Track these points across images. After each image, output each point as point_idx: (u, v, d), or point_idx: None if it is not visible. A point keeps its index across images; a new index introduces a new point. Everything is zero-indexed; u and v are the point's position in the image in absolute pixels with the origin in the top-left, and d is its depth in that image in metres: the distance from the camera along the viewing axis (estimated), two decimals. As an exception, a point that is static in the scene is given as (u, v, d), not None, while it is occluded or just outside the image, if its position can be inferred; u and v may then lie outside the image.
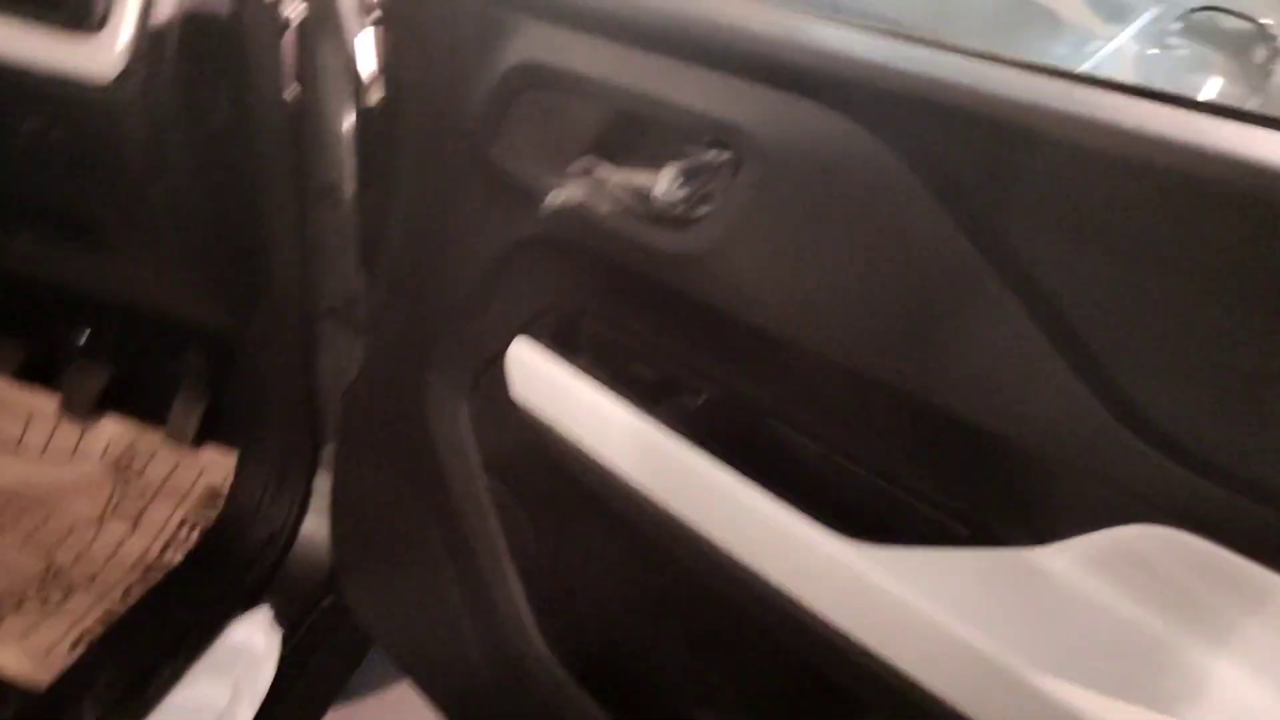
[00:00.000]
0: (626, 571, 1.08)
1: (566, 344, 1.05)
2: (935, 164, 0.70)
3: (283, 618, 1.41)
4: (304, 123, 1.23)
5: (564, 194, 0.97)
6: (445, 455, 1.17)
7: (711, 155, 0.88)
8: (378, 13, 1.17)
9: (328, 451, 1.47)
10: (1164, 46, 1.90)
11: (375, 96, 1.21)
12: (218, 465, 1.69)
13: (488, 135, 1.01)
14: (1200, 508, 0.63)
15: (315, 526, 1.47)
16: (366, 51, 1.20)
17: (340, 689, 1.51)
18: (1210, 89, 1.83)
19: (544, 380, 1.03)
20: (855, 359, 0.78)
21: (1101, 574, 0.69)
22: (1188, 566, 0.65)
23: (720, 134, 0.85)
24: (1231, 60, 1.85)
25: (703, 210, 0.87)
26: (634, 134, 0.95)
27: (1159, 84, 1.92)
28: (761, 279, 0.83)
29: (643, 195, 0.93)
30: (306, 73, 1.21)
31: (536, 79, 0.97)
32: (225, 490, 1.57)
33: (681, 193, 0.91)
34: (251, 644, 1.36)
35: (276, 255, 1.32)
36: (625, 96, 0.91)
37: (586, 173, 0.97)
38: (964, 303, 0.71)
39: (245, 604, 1.41)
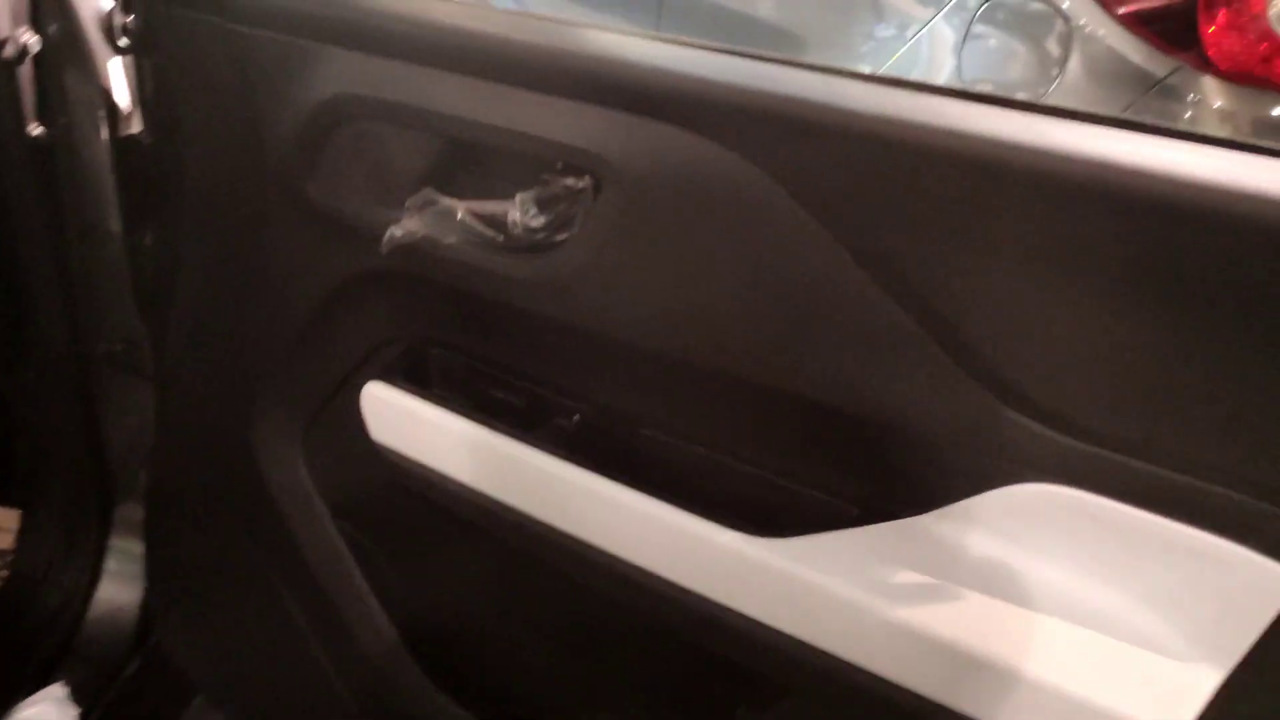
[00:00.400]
0: (511, 595, 1.08)
1: (419, 379, 1.02)
2: (799, 175, 0.74)
3: (79, 694, 1.28)
4: (55, 159, 1.12)
5: (405, 227, 0.92)
6: (285, 505, 1.11)
7: (569, 182, 0.87)
8: (125, 40, 1.05)
9: (126, 510, 1.33)
10: (972, 36, 1.96)
11: (134, 128, 1.10)
12: (5, 529, 1.48)
13: (302, 172, 0.95)
14: (1072, 465, 0.71)
15: (113, 591, 1.34)
16: (119, 81, 1.08)
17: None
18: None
19: (407, 420, 1.01)
20: (735, 364, 0.81)
21: (985, 531, 0.76)
22: (1066, 515, 0.72)
23: (578, 161, 0.84)
24: (1031, 46, 1.93)
25: (562, 235, 0.87)
26: (474, 164, 0.93)
27: (975, 73, 1.98)
28: (633, 296, 0.84)
29: (496, 224, 0.91)
30: (52, 106, 1.10)
31: (357, 112, 0.92)
32: (8, 555, 1.39)
33: (539, 220, 0.88)
34: (43, 725, 1.22)
35: (39, 300, 1.19)
36: (470, 128, 0.88)
37: (428, 204, 0.93)
38: (839, 303, 0.75)
39: (36, 680, 1.28)
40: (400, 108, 0.90)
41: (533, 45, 0.84)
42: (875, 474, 0.81)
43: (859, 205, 0.73)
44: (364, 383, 1.03)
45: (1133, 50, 1.76)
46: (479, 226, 0.91)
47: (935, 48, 2.07)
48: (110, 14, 1.04)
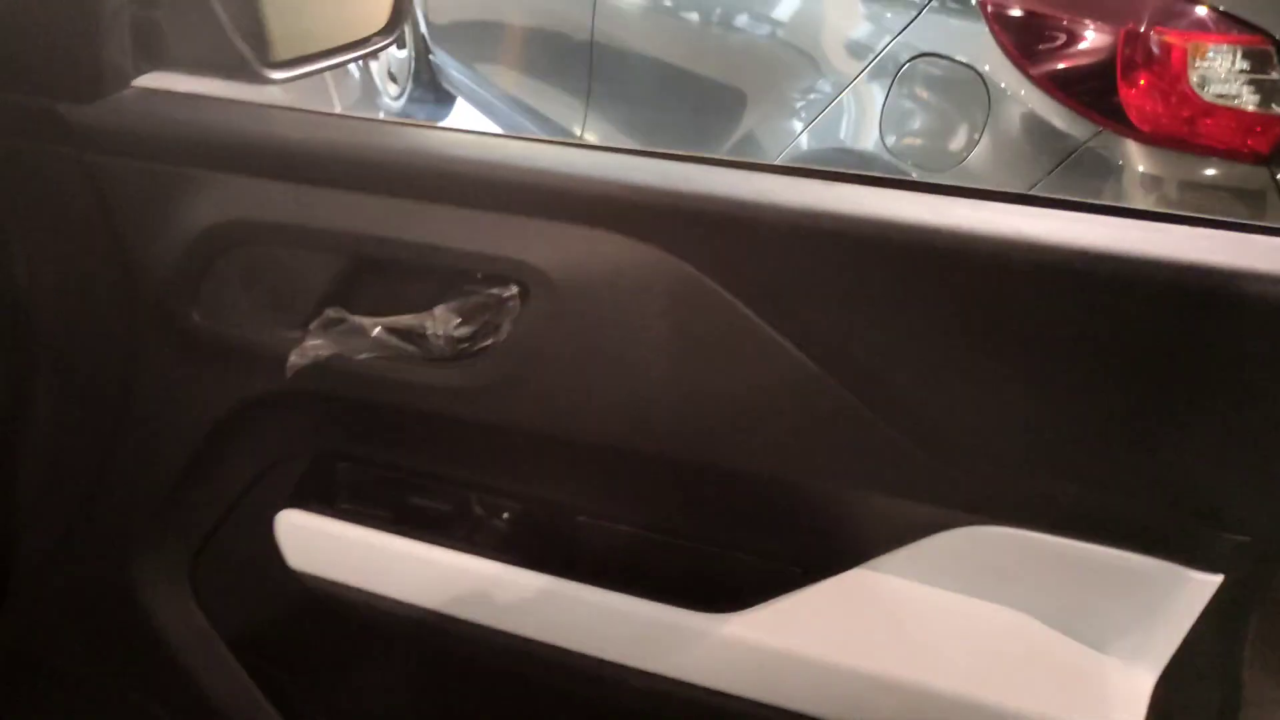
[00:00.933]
0: (456, 707, 1.06)
1: (328, 498, 0.99)
2: (721, 264, 0.78)
3: None
4: None
5: (311, 347, 0.87)
6: (178, 644, 1.04)
7: (496, 291, 0.84)
8: None
9: None
10: (895, 95, 1.95)
11: None
12: None
13: (183, 301, 0.90)
14: (998, 504, 0.78)
15: None
16: None
17: None
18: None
19: (329, 543, 0.97)
20: (673, 446, 0.84)
21: (929, 573, 0.83)
22: (1001, 552, 0.80)
23: (504, 271, 0.83)
24: (952, 107, 1.92)
25: (486, 342, 0.85)
26: (373, 279, 0.89)
27: (897, 132, 1.94)
28: (569, 393, 0.85)
29: (413, 337, 0.87)
30: None
31: (247, 238, 0.88)
32: None
33: (463, 329, 0.85)
34: None
35: None
36: (384, 246, 0.85)
37: (334, 323, 0.88)
38: (771, 377, 0.79)
39: None
40: (300, 231, 0.86)
41: (447, 158, 0.84)
42: (814, 533, 0.86)
43: (781, 287, 0.78)
44: (260, 505, 0.98)
45: (1053, 114, 1.76)
46: (395, 341, 0.87)
47: (862, 105, 2.05)
48: None
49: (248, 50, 0.90)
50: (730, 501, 0.88)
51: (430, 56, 3.98)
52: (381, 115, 4.38)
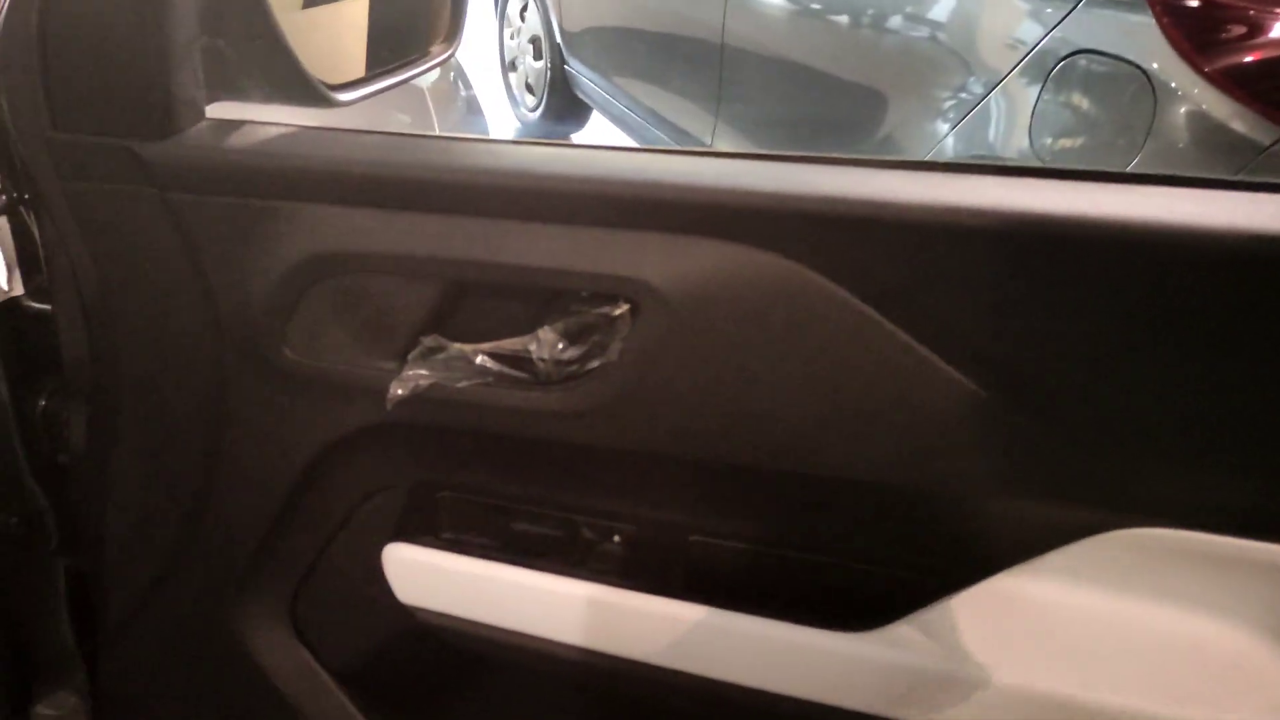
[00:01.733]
0: None
1: (430, 529, 0.96)
2: (845, 267, 0.75)
3: None
4: None
5: (412, 376, 0.84)
6: (284, 684, 1.02)
7: (605, 310, 0.80)
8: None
9: (59, 700, 1.23)
10: (1046, 97, 1.82)
11: (14, 290, 1.00)
12: None
13: (273, 337, 0.87)
14: (1154, 504, 0.74)
15: None
16: None
17: None
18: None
19: (437, 576, 0.95)
20: (800, 460, 0.81)
21: (1082, 580, 0.77)
22: (1163, 554, 0.75)
23: (614, 289, 0.79)
24: (1112, 108, 1.78)
25: (594, 363, 0.82)
26: (475, 306, 0.86)
27: (1048, 136, 1.82)
28: (685, 411, 0.82)
29: (517, 361, 0.83)
30: None
31: (340, 268, 0.85)
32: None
33: (571, 352, 0.82)
34: None
35: None
36: (488, 270, 0.82)
37: (433, 351, 0.85)
38: (902, 382, 0.76)
39: None
40: (393, 258, 0.83)
41: (544, 175, 0.81)
42: (955, 543, 0.82)
43: (911, 288, 0.75)
44: (363, 540, 0.96)
45: (1231, 116, 1.60)
46: (498, 367, 0.83)
47: (1011, 107, 1.92)
48: None
49: (314, 75, 0.87)
50: (860, 515, 0.85)
51: (565, 66, 3.99)
52: (509, 131, 4.43)
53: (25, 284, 1.00)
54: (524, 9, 4.34)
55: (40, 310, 1.00)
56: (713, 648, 0.87)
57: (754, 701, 0.87)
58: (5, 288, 0.99)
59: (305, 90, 0.88)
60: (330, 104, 0.93)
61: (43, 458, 1.07)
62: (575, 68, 3.89)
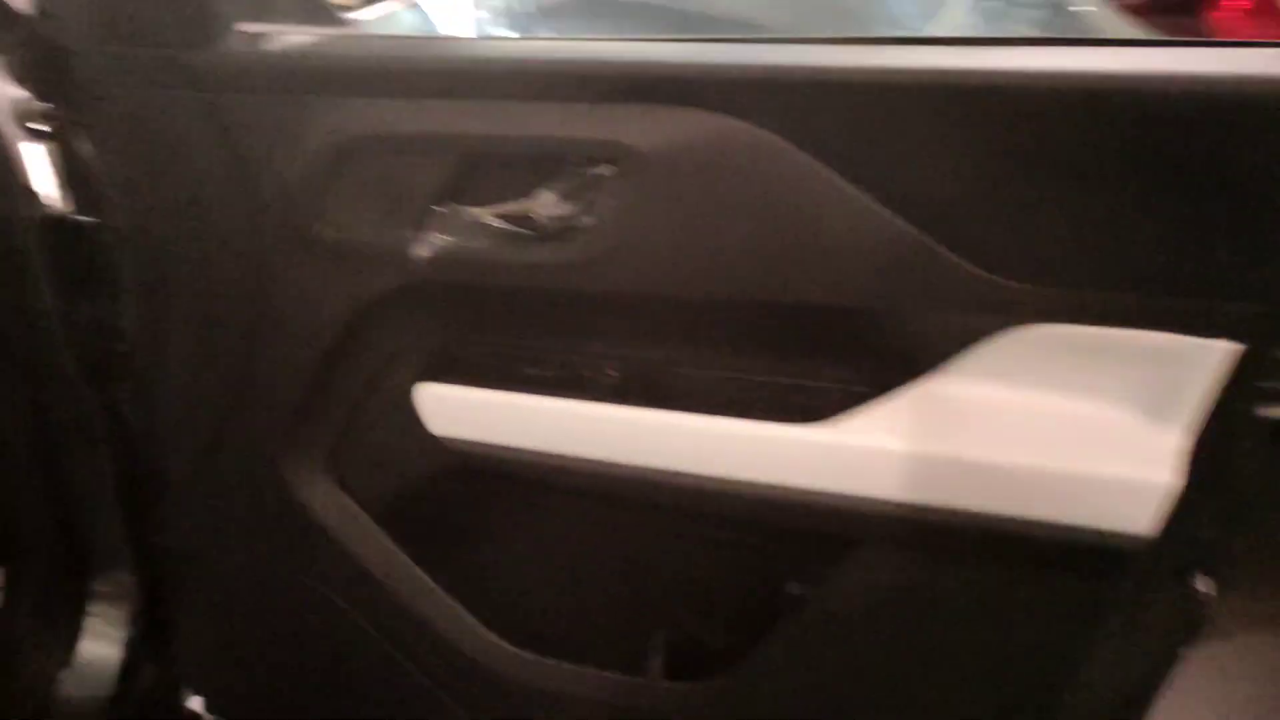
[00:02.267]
0: (582, 545, 1.17)
1: (454, 372, 1.09)
2: (799, 127, 0.88)
3: None
4: None
5: (432, 241, 0.98)
6: (330, 523, 1.16)
7: (593, 171, 0.94)
8: (42, 126, 1.10)
9: (103, 579, 1.38)
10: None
11: (60, 208, 1.14)
12: None
13: (309, 214, 1.01)
14: (1042, 306, 0.89)
15: (96, 650, 1.39)
16: (37, 166, 1.13)
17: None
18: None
19: (466, 407, 1.08)
20: (758, 291, 0.95)
21: (996, 375, 0.93)
22: (1051, 347, 0.90)
23: (598, 153, 0.93)
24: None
25: (586, 220, 0.95)
26: (480, 175, 0.99)
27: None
28: (661, 256, 0.95)
29: (521, 221, 0.97)
30: None
31: (367, 150, 0.99)
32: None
33: (565, 209, 0.95)
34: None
35: None
36: (495, 144, 0.96)
37: (452, 217, 0.98)
38: (844, 220, 0.90)
39: None
40: (412, 139, 0.97)
41: (544, 61, 0.97)
42: (883, 354, 0.97)
43: (853, 141, 0.88)
44: (394, 388, 1.09)
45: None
46: (506, 226, 0.97)
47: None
48: (24, 103, 1.09)
49: None
50: (814, 334, 0.99)
51: None
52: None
53: (70, 201, 1.14)
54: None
55: (85, 223, 1.13)
56: (699, 447, 1.02)
57: (732, 490, 1.01)
58: (53, 204, 1.13)
59: (314, 11, 1.03)
60: (337, 23, 1.07)
61: (90, 358, 1.20)
62: None
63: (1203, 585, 0.95)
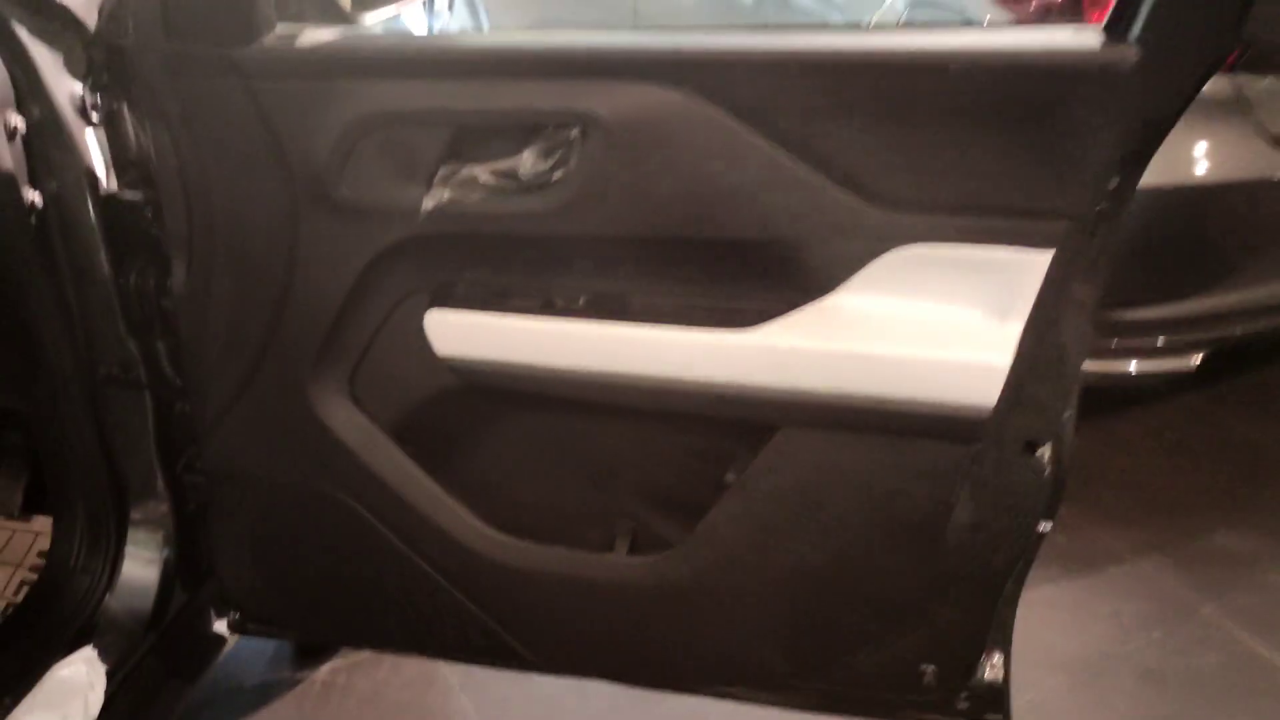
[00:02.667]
0: (566, 443, 1.39)
1: (455, 304, 1.30)
2: (735, 99, 1.11)
3: (107, 655, 1.53)
4: (48, 218, 1.35)
5: (435, 196, 1.20)
6: (351, 441, 1.37)
7: (565, 134, 1.16)
8: (96, 115, 1.32)
9: (140, 509, 1.58)
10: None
11: (113, 187, 1.36)
12: (47, 532, 1.73)
13: (333, 179, 1.21)
14: (912, 229, 1.13)
15: (133, 575, 1.60)
16: (95, 150, 1.34)
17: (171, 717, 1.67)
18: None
19: (468, 330, 1.29)
20: (694, 228, 1.17)
21: (881, 288, 1.16)
22: (930, 263, 1.13)
23: (569, 120, 1.16)
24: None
25: (559, 174, 1.17)
26: (475, 143, 1.21)
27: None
28: (618, 202, 1.17)
29: (510, 175, 1.19)
30: (42, 175, 1.33)
31: (384, 124, 1.20)
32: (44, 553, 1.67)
33: (544, 164, 1.17)
34: (75, 679, 1.47)
35: (46, 336, 1.44)
36: (485, 116, 1.18)
37: (451, 175, 1.20)
38: (761, 170, 1.12)
39: (70, 646, 1.52)
40: (420, 113, 1.20)
41: (526, 48, 1.19)
42: (795, 277, 1.18)
43: (767, 105, 1.10)
44: (403, 324, 1.29)
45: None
46: (496, 181, 1.19)
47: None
48: (82, 95, 1.29)
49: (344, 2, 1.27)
50: (742, 263, 1.20)
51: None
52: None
53: (119, 180, 1.35)
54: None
55: (132, 199, 1.35)
56: (650, 353, 1.24)
57: (678, 388, 1.24)
58: (105, 184, 1.34)
59: (335, 14, 1.25)
60: (353, 22, 1.30)
61: (136, 316, 1.42)
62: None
63: (1046, 455, 1.20)
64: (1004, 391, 1.14)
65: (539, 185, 1.17)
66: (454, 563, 1.42)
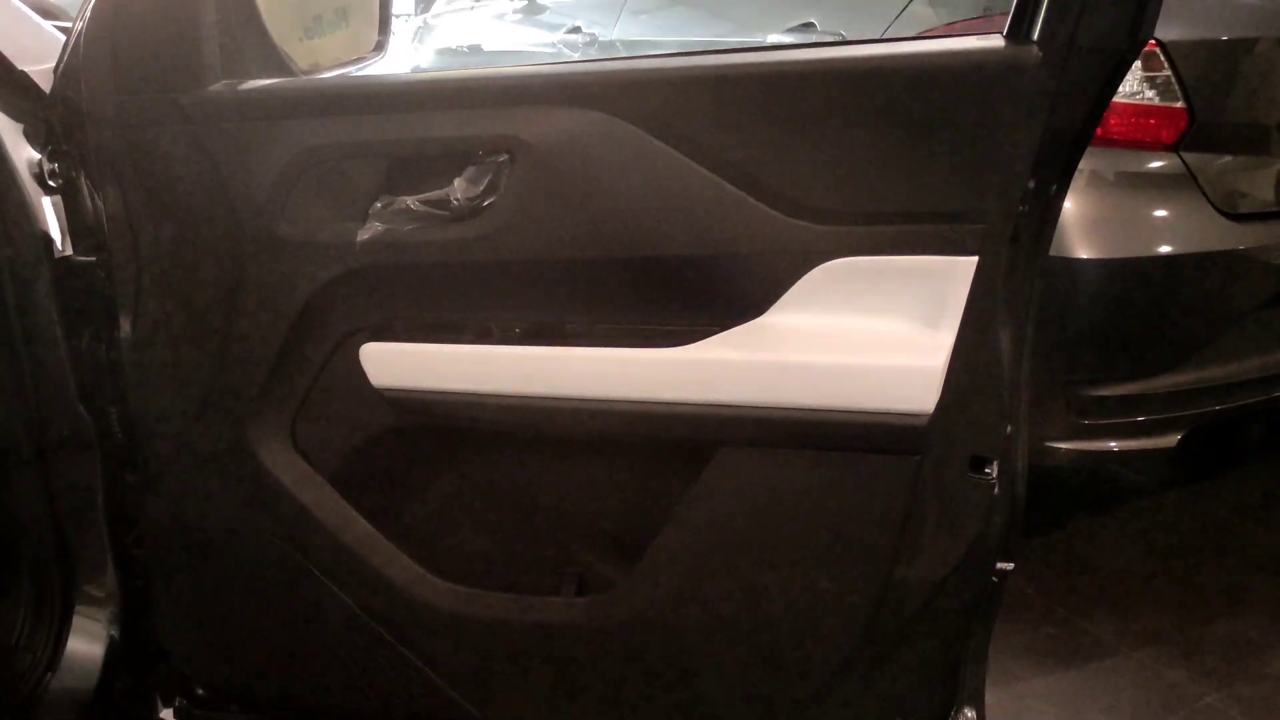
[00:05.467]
0: (502, 479, 1.38)
1: (392, 336, 1.32)
2: (654, 120, 1.14)
3: None
4: (2, 282, 1.38)
5: (370, 228, 1.23)
6: (288, 483, 1.36)
7: (493, 160, 1.20)
8: (53, 182, 1.36)
9: (88, 586, 1.54)
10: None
11: (66, 250, 1.38)
12: None
13: (274, 215, 1.25)
14: (838, 243, 1.15)
15: (81, 651, 1.55)
16: (50, 216, 1.37)
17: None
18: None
19: (406, 359, 1.30)
20: (619, 249, 1.19)
21: (812, 304, 1.17)
22: (857, 276, 1.15)
23: (498, 146, 1.20)
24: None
25: (489, 200, 1.20)
26: (409, 174, 1.26)
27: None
28: (545, 226, 1.20)
29: (442, 204, 1.22)
30: None
31: (322, 159, 1.24)
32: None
33: (475, 190, 1.21)
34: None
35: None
36: (416, 145, 1.23)
37: (386, 207, 1.24)
38: (682, 187, 1.15)
39: None
40: (355, 147, 1.25)
41: (451, 80, 1.28)
42: (726, 295, 1.19)
43: (685, 124, 1.14)
44: (344, 365, 1.31)
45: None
46: (429, 209, 1.22)
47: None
48: (40, 162, 1.34)
49: (291, 61, 1.33)
50: (671, 284, 1.22)
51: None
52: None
53: (75, 246, 1.38)
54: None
55: (86, 262, 1.37)
56: (583, 373, 1.25)
57: (614, 408, 1.23)
58: (60, 248, 1.36)
59: (280, 70, 1.32)
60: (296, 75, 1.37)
61: (88, 380, 1.41)
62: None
63: (995, 473, 1.17)
64: (941, 398, 1.13)
65: (471, 212, 1.20)
66: (399, 613, 1.38)
